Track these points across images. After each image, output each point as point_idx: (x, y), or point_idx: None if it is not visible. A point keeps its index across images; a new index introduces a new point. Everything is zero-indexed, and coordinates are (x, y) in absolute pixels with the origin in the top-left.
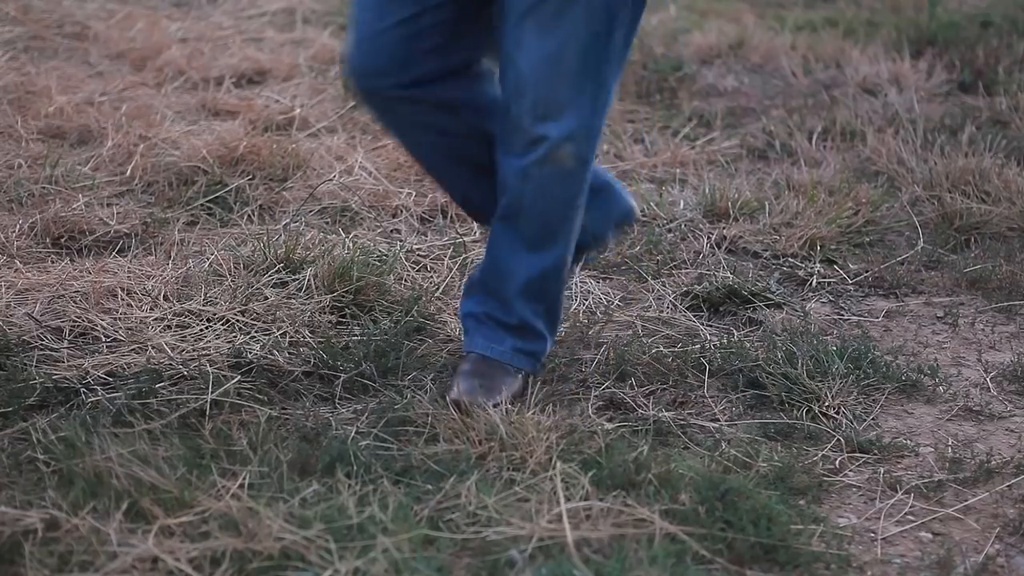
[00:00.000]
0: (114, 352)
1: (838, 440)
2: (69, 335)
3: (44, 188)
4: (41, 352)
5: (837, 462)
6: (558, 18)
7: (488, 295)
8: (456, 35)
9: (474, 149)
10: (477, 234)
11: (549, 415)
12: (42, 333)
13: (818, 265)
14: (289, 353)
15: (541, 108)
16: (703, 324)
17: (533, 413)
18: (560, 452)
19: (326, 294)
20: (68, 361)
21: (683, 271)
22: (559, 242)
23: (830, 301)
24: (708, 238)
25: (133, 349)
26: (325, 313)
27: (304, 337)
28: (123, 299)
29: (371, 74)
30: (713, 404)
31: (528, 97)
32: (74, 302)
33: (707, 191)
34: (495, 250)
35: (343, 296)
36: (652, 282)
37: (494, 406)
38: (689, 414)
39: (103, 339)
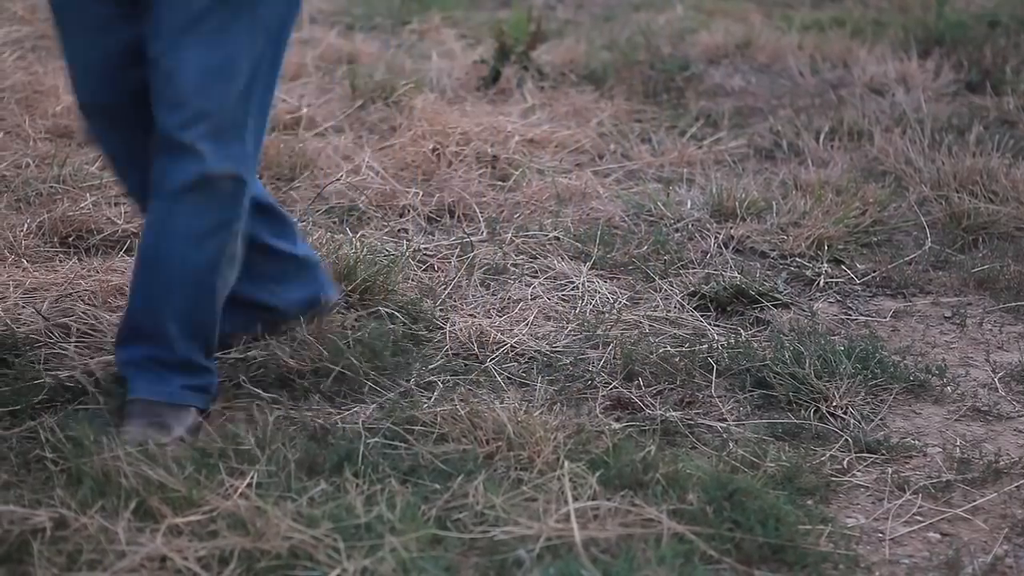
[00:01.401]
0: None
1: (846, 440)
2: (77, 333)
3: (52, 187)
4: (49, 351)
5: (845, 462)
6: (222, 32)
7: (143, 339)
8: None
9: None
10: (484, 233)
11: (556, 415)
12: (50, 331)
13: (825, 265)
14: (296, 352)
15: (201, 123)
16: (710, 324)
17: (540, 413)
18: (568, 452)
19: None
20: (76, 360)
21: (690, 271)
22: (217, 272)
23: (837, 301)
24: (715, 238)
25: None
26: (333, 312)
27: (311, 336)
28: None
29: (100, 103)
30: (721, 404)
31: (188, 110)
32: (82, 301)
33: (714, 191)
34: (140, 292)
35: (350, 295)
36: (659, 282)
37: (172, 440)
38: (697, 414)
39: (111, 338)
